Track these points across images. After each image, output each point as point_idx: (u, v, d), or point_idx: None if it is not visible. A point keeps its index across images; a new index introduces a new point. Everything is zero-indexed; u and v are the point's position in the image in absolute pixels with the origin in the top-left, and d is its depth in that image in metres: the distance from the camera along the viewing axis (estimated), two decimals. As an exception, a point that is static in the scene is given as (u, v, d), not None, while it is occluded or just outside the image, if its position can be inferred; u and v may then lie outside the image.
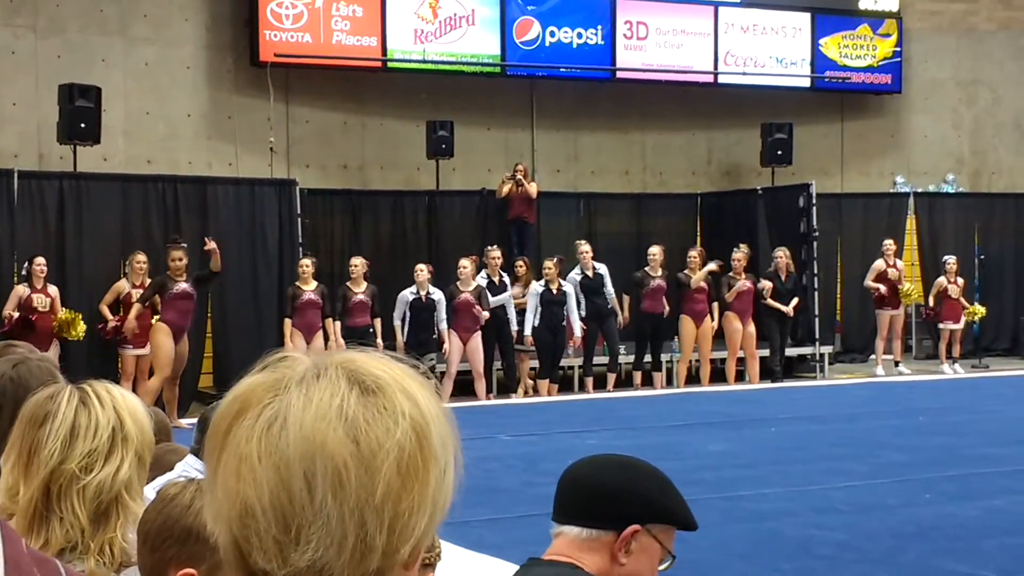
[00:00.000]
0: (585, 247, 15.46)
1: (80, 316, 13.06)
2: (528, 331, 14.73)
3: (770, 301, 16.09)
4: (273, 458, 1.03)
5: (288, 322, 14.05)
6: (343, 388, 1.05)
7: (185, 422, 11.91)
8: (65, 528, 2.11)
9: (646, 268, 15.60)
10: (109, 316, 13.51)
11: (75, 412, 2.15)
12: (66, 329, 12.91)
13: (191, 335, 13.61)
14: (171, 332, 13.01)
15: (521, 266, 15.21)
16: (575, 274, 15.34)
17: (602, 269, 15.40)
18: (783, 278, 16.25)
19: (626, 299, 15.73)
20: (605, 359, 15.63)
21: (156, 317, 13.23)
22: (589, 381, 15.44)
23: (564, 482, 2.29)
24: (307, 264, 14.20)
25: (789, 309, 16.10)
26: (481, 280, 14.84)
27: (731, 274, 15.88)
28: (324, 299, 14.15)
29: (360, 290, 14.36)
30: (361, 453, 1.03)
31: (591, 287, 15.25)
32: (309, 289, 14.07)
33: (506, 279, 15.13)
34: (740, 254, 15.96)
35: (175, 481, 2.27)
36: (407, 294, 14.45)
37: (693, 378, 16.06)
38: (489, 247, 15.29)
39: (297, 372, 1.08)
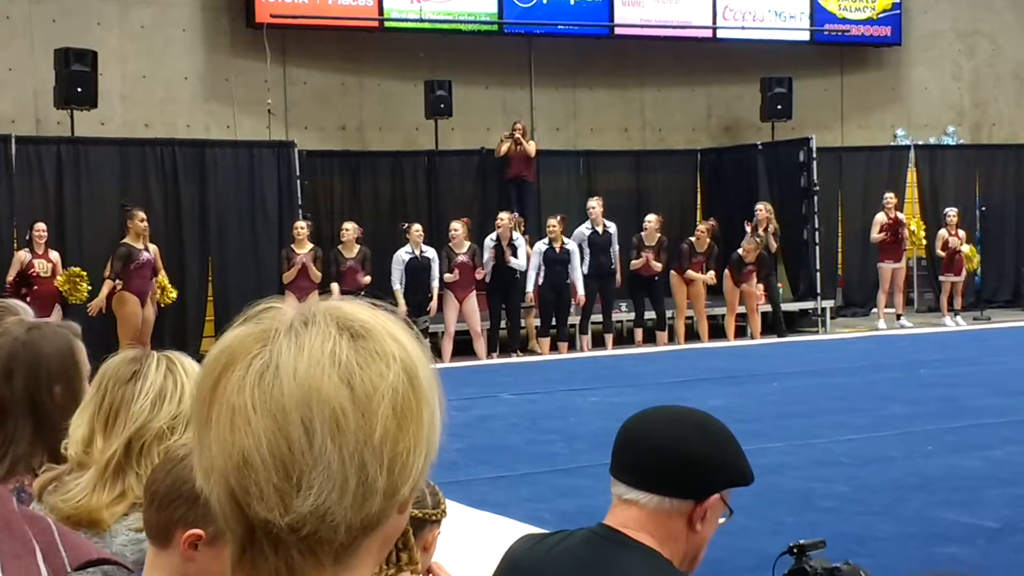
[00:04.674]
0: (595, 202, 15.44)
1: (86, 275, 13.07)
2: (530, 288, 14.75)
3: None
4: (268, 407, 1.03)
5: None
6: (333, 334, 1.06)
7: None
8: (142, 484, 2.15)
9: (642, 234, 15.51)
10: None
11: (163, 377, 2.26)
12: (71, 290, 12.89)
13: (188, 298, 13.59)
14: (137, 300, 13.03)
15: (554, 226, 15.02)
16: (585, 228, 15.34)
17: (611, 228, 15.38)
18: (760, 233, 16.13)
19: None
20: (601, 317, 15.58)
21: (119, 285, 13.10)
22: (585, 339, 15.44)
23: (641, 447, 2.15)
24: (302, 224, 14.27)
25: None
26: (489, 242, 14.77)
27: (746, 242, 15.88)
28: (316, 261, 14.20)
29: (352, 255, 14.36)
30: (356, 397, 1.04)
31: (599, 244, 15.25)
32: (302, 252, 14.17)
33: (517, 240, 15.06)
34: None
35: (183, 443, 2.29)
36: (402, 254, 14.42)
37: (694, 335, 16.08)
38: (502, 215, 15.14)
39: (283, 321, 1.08)
